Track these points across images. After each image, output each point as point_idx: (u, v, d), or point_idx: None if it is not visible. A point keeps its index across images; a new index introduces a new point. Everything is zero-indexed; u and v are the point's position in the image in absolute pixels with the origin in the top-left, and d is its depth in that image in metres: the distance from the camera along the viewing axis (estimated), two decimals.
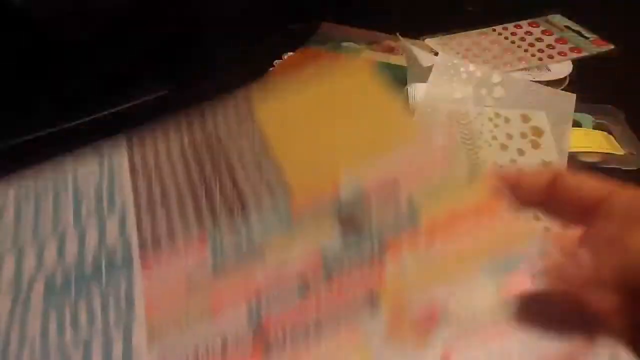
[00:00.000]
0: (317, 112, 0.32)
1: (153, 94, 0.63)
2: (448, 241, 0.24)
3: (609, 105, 0.58)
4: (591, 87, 0.60)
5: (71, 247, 0.27)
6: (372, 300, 0.22)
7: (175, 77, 0.67)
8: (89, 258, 0.26)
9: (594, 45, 0.71)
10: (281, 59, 0.71)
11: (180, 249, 0.25)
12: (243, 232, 0.26)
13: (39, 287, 0.26)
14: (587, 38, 0.72)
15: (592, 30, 0.72)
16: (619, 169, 0.53)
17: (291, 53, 0.72)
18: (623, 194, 0.23)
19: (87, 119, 0.60)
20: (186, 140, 0.31)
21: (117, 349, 0.23)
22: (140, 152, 0.31)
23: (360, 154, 0.28)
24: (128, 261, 0.25)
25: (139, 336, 0.23)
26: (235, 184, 0.28)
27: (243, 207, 0.26)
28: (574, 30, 0.74)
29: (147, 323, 0.23)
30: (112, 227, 0.27)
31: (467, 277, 0.22)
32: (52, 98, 0.61)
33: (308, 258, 0.24)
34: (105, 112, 0.60)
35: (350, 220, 0.25)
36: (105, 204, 0.29)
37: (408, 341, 0.21)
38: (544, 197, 0.25)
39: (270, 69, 0.68)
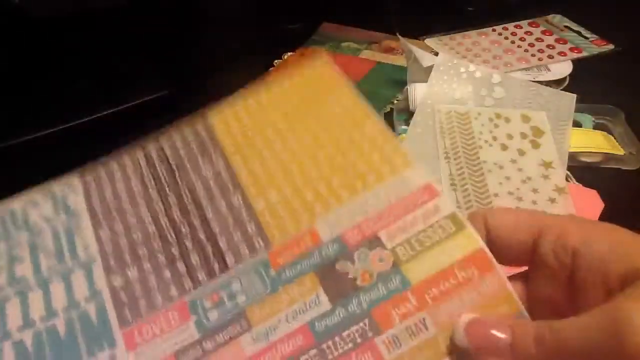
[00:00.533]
0: (285, 130, 0.29)
1: (153, 94, 0.63)
2: (441, 306, 0.23)
3: (609, 105, 0.58)
4: (591, 87, 0.60)
5: (37, 306, 0.25)
6: None
7: (175, 78, 0.67)
8: (60, 322, 0.25)
9: (594, 45, 0.70)
10: (281, 58, 0.72)
11: (163, 324, 0.24)
12: (226, 299, 0.24)
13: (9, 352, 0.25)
14: (587, 38, 0.71)
15: (592, 30, 0.72)
16: (619, 169, 0.53)
17: (291, 53, 0.73)
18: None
19: (86, 119, 0.60)
20: (146, 174, 0.29)
21: None
22: (98, 191, 0.29)
23: (335, 193, 0.26)
24: (109, 338, 0.24)
25: None
26: (208, 231, 0.26)
27: (221, 265, 0.25)
28: (574, 30, 0.74)
29: None
30: (79, 285, 0.25)
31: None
32: (51, 98, 0.61)
33: (298, 333, 0.23)
34: (105, 113, 0.60)
35: (335, 282, 0.24)
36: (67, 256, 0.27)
37: None
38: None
39: (270, 69, 0.69)
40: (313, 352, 0.23)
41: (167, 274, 0.26)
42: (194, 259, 0.26)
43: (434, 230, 0.25)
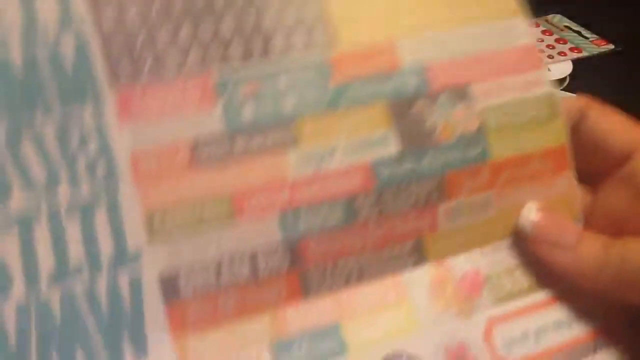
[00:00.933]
0: None
1: None
2: (509, 191, 0.20)
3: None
4: (591, 87, 0.60)
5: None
6: (419, 250, 0.19)
7: None
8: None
9: (594, 45, 0.72)
10: None
11: (176, 98, 0.17)
12: (268, 93, 0.18)
13: None
14: (587, 38, 0.72)
15: (592, 30, 0.73)
16: None
17: None
18: None
19: None
20: None
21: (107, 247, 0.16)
22: None
23: (429, 13, 0.20)
24: (93, 91, 0.16)
25: (133, 226, 0.16)
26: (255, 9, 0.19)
27: (263, 48, 0.18)
28: (574, 30, 0.74)
29: (143, 207, 0.16)
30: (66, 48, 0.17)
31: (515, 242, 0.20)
32: None
33: (357, 172, 0.18)
34: None
35: (409, 125, 0.19)
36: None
37: (452, 306, 0.19)
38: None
39: None
40: (370, 199, 0.18)
41: (185, 31, 0.18)
42: (227, 25, 0.18)
43: (528, 107, 0.21)
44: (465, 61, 0.20)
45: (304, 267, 0.18)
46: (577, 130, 0.22)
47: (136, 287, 0.16)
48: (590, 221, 0.22)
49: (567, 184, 0.21)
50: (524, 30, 0.22)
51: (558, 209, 0.21)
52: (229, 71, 0.18)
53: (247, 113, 0.18)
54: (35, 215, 0.15)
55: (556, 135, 0.21)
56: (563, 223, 0.20)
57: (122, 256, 0.16)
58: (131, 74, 0.17)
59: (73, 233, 0.16)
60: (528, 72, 0.21)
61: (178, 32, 0.17)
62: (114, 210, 0.16)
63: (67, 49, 0.16)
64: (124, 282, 0.16)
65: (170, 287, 0.16)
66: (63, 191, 0.16)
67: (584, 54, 0.70)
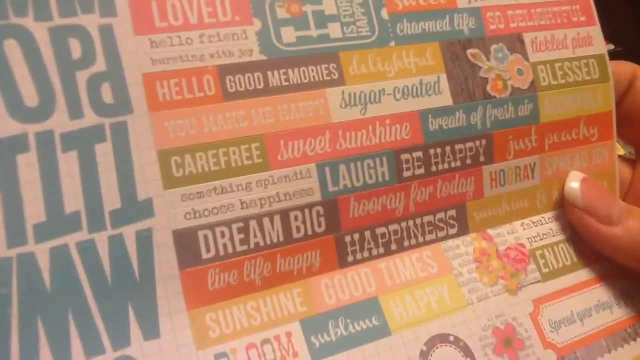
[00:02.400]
0: None
1: None
2: (553, 157, 0.18)
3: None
4: None
5: None
6: (462, 217, 0.17)
7: None
8: None
9: None
10: None
11: (203, 13, 0.14)
12: (310, 19, 0.15)
13: None
14: None
15: None
16: None
17: None
18: None
19: None
20: None
21: None
22: None
23: None
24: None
25: (144, 169, 0.13)
26: None
27: None
28: None
29: (158, 145, 0.13)
30: None
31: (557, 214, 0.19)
32: None
33: (405, 121, 0.16)
34: None
35: (463, 71, 0.17)
36: None
37: (498, 282, 0.17)
38: (617, 99, 0.20)
39: None
40: (417, 154, 0.16)
41: None
42: None
43: (580, 67, 0.19)
44: (521, 6, 0.18)
45: (341, 230, 0.15)
46: (624, 98, 0.20)
47: (146, 246, 0.13)
48: (628, 195, 0.20)
49: (608, 154, 0.20)
50: None
51: (597, 181, 0.19)
52: None
53: (287, 38, 0.15)
54: (21, 144, 0.12)
55: (604, 101, 0.19)
56: (609, 195, 0.18)
57: (129, 206, 0.13)
58: None
59: (69, 172, 0.13)
60: (580, 28, 0.19)
61: None
62: (121, 147, 0.13)
63: None
64: (130, 238, 0.13)
65: (186, 248, 0.13)
66: (58, 117, 0.12)
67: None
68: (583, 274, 0.18)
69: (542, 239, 0.18)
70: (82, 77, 0.13)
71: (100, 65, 0.13)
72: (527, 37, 0.18)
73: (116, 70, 0.13)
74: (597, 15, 0.20)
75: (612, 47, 0.68)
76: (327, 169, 0.15)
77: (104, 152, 0.13)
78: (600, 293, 0.18)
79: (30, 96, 0.12)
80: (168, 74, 0.13)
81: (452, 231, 0.17)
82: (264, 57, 0.14)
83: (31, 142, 0.12)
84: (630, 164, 0.21)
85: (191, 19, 0.14)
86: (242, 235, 0.14)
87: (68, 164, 0.12)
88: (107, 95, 0.13)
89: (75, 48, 0.13)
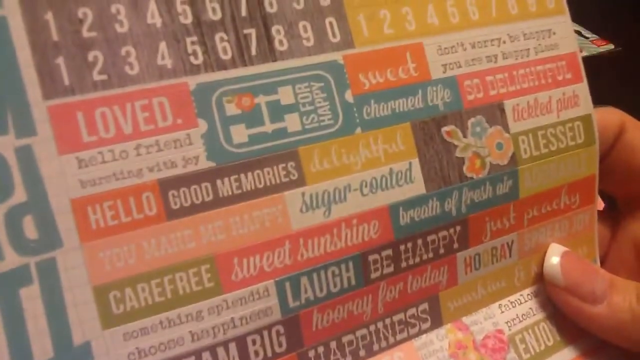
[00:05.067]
0: None
1: None
2: (532, 232, 0.17)
3: (609, 106, 0.56)
4: (591, 87, 0.58)
5: None
6: (435, 310, 0.16)
7: None
8: None
9: (594, 45, 0.70)
10: None
11: (137, 117, 0.12)
12: (264, 110, 0.13)
13: None
14: (587, 38, 0.70)
15: (592, 30, 0.71)
16: None
17: None
18: None
19: None
20: None
21: None
22: None
23: (460, 6, 0.16)
24: (18, 113, 0.11)
25: (79, 309, 0.12)
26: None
27: (262, 49, 0.13)
28: (574, 30, 0.72)
29: (93, 281, 0.12)
30: None
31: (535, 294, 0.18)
32: None
33: (374, 218, 0.14)
34: None
35: (437, 154, 0.15)
36: None
37: None
38: (604, 151, 0.19)
39: None
40: (386, 252, 0.15)
41: (152, 19, 0.13)
42: (210, 12, 0.13)
43: (565, 132, 0.18)
44: (500, 71, 0.16)
45: (304, 346, 0.14)
46: (610, 152, 0.19)
47: None
48: (610, 256, 0.19)
49: (588, 219, 0.18)
50: (566, 33, 0.18)
51: (577, 249, 0.18)
52: (213, 77, 0.13)
53: (237, 138, 0.13)
54: None
55: (588, 165, 0.18)
56: (591, 269, 0.17)
57: (64, 353, 0.11)
58: (72, 82, 0.12)
59: None
60: (565, 87, 0.18)
61: (143, 18, 0.12)
62: (50, 289, 0.11)
63: None
64: None
65: None
66: None
67: (584, 53, 0.68)
68: (566, 354, 0.17)
69: (521, 321, 0.17)
70: None
71: (19, 195, 0.11)
72: (508, 105, 0.16)
73: (39, 199, 0.11)
74: (584, 73, 0.19)
75: (612, 47, 0.67)
76: (287, 284, 0.13)
77: (30, 296, 0.11)
78: None
79: None
80: (101, 197, 0.12)
81: (425, 326, 0.16)
82: (212, 164, 0.13)
83: None
84: (609, 222, 0.20)
85: (125, 129, 0.12)
86: None
87: None
88: (30, 230, 0.11)
89: None
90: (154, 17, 0.13)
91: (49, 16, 0.12)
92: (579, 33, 0.72)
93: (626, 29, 0.67)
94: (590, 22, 0.71)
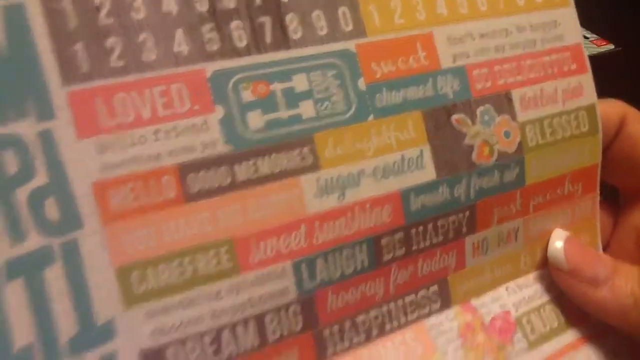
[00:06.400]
0: None
1: None
2: (537, 218, 0.18)
3: None
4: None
5: None
6: (444, 292, 0.16)
7: None
8: None
9: (594, 45, 0.70)
10: None
11: (156, 103, 0.12)
12: (279, 96, 0.14)
13: None
14: (587, 38, 0.71)
15: (592, 30, 0.71)
16: None
17: None
18: None
19: None
20: None
21: None
22: None
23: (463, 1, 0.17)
24: (38, 98, 0.11)
25: (102, 289, 0.12)
26: None
27: (277, 38, 0.14)
28: None
29: (115, 262, 0.12)
30: None
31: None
32: None
33: (386, 203, 0.15)
34: None
35: (447, 141, 0.16)
36: None
37: (484, 357, 0.16)
38: (607, 142, 0.19)
39: None
40: (398, 235, 0.15)
41: (169, 6, 0.13)
42: (226, 2, 0.13)
43: (569, 122, 0.18)
44: (508, 60, 0.17)
45: (319, 325, 0.14)
46: (612, 143, 0.19)
47: None
48: (612, 243, 0.20)
49: (590, 206, 0.19)
50: (572, 24, 0.18)
51: (580, 235, 0.18)
52: (229, 64, 0.13)
53: (253, 124, 0.13)
54: None
55: (591, 154, 0.18)
56: (594, 254, 0.18)
57: (88, 331, 0.12)
58: (91, 68, 0.12)
59: (16, 303, 0.11)
60: (570, 77, 0.18)
61: (159, 6, 0.13)
62: (73, 268, 0.12)
63: None
64: None
65: None
66: None
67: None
68: (570, 335, 0.18)
69: (528, 303, 0.17)
70: (21, 195, 0.11)
71: (41, 178, 0.11)
72: (516, 94, 0.17)
73: (60, 182, 0.12)
74: (590, 64, 0.19)
75: (612, 47, 0.68)
76: (303, 266, 0.14)
77: (54, 276, 0.11)
78: (589, 354, 0.17)
79: None
80: (121, 180, 0.12)
81: (435, 307, 0.16)
82: (229, 149, 0.13)
83: None
84: (612, 210, 0.20)
85: (144, 114, 0.12)
86: (214, 347, 0.13)
87: (15, 294, 0.11)
88: (52, 212, 0.12)
89: (11, 162, 0.11)
90: (169, 4, 0.13)
91: (67, 3, 0.12)
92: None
93: (626, 29, 0.67)
94: (590, 22, 0.72)
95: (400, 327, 0.16)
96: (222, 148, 0.13)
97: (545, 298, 0.18)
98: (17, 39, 0.11)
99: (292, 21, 0.14)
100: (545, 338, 0.17)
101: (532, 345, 0.17)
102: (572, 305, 0.17)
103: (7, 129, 0.11)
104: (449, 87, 0.16)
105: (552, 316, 0.18)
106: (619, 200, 0.21)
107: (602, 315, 0.17)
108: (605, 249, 0.20)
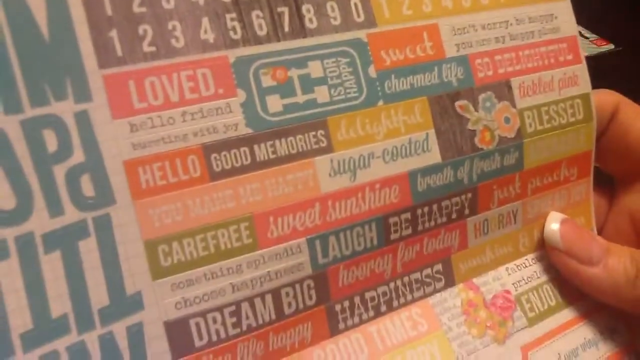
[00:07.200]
0: None
1: None
2: (535, 201, 0.19)
3: None
4: (592, 86, 0.59)
5: None
6: (448, 271, 0.17)
7: None
8: None
9: (594, 45, 0.70)
10: None
11: (183, 85, 0.13)
12: (296, 82, 0.15)
13: None
14: (587, 38, 0.71)
15: (592, 30, 0.72)
16: None
17: None
18: None
19: None
20: None
21: None
22: None
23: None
24: (76, 81, 0.12)
25: (131, 262, 0.13)
26: None
27: (294, 26, 0.15)
28: None
29: (144, 236, 0.13)
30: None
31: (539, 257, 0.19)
32: None
33: (395, 184, 0.16)
34: None
35: (452, 126, 0.17)
36: None
37: (487, 333, 0.17)
38: (601, 130, 0.20)
39: None
40: (405, 216, 0.16)
41: (205, 19, 0.14)
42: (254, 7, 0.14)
43: (565, 109, 0.19)
44: (508, 51, 0.18)
45: (331, 300, 0.15)
46: (606, 130, 0.20)
47: (137, 341, 0.13)
48: (607, 226, 0.21)
49: (584, 190, 0.20)
50: (568, 17, 0.19)
51: (575, 217, 0.20)
52: (250, 51, 0.14)
53: (273, 107, 0.14)
54: (0, 251, 0.12)
55: (586, 141, 0.20)
56: (589, 235, 0.19)
57: (118, 301, 0.12)
58: (125, 53, 0.13)
59: (53, 274, 0.12)
60: (567, 67, 0.19)
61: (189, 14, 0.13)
62: (106, 242, 0.12)
63: (39, 13, 0.12)
64: (121, 335, 0.13)
65: (179, 338, 0.13)
66: (37, 217, 0.12)
67: (584, 53, 0.69)
68: (568, 313, 0.19)
69: (527, 282, 0.18)
70: (60, 171, 0.12)
71: (78, 156, 0.12)
72: (515, 82, 0.18)
73: (95, 160, 0.12)
74: (584, 57, 0.20)
75: (612, 46, 0.68)
76: (317, 242, 0.15)
77: (88, 249, 0.12)
78: (585, 331, 0.19)
79: (6, 198, 0.12)
80: (150, 159, 0.13)
81: (439, 285, 0.17)
82: (250, 131, 0.14)
83: (11, 247, 0.12)
84: (606, 195, 0.21)
85: (172, 97, 0.13)
86: (234, 319, 0.14)
87: (52, 265, 0.12)
88: (87, 188, 0.12)
89: (51, 140, 0.12)
90: None
91: None
92: (579, 33, 0.74)
93: (626, 29, 0.68)
94: (590, 22, 0.73)
95: (407, 303, 0.16)
96: (243, 130, 0.14)
97: (543, 278, 0.19)
98: (58, 26, 0.12)
99: (308, 11, 0.15)
100: (544, 315, 0.18)
101: (532, 321, 0.18)
102: (568, 285, 0.19)
103: (48, 110, 0.12)
104: (453, 75, 0.17)
105: (550, 295, 0.19)
106: (614, 185, 0.22)
107: (596, 293, 0.18)
108: (600, 231, 0.21)
